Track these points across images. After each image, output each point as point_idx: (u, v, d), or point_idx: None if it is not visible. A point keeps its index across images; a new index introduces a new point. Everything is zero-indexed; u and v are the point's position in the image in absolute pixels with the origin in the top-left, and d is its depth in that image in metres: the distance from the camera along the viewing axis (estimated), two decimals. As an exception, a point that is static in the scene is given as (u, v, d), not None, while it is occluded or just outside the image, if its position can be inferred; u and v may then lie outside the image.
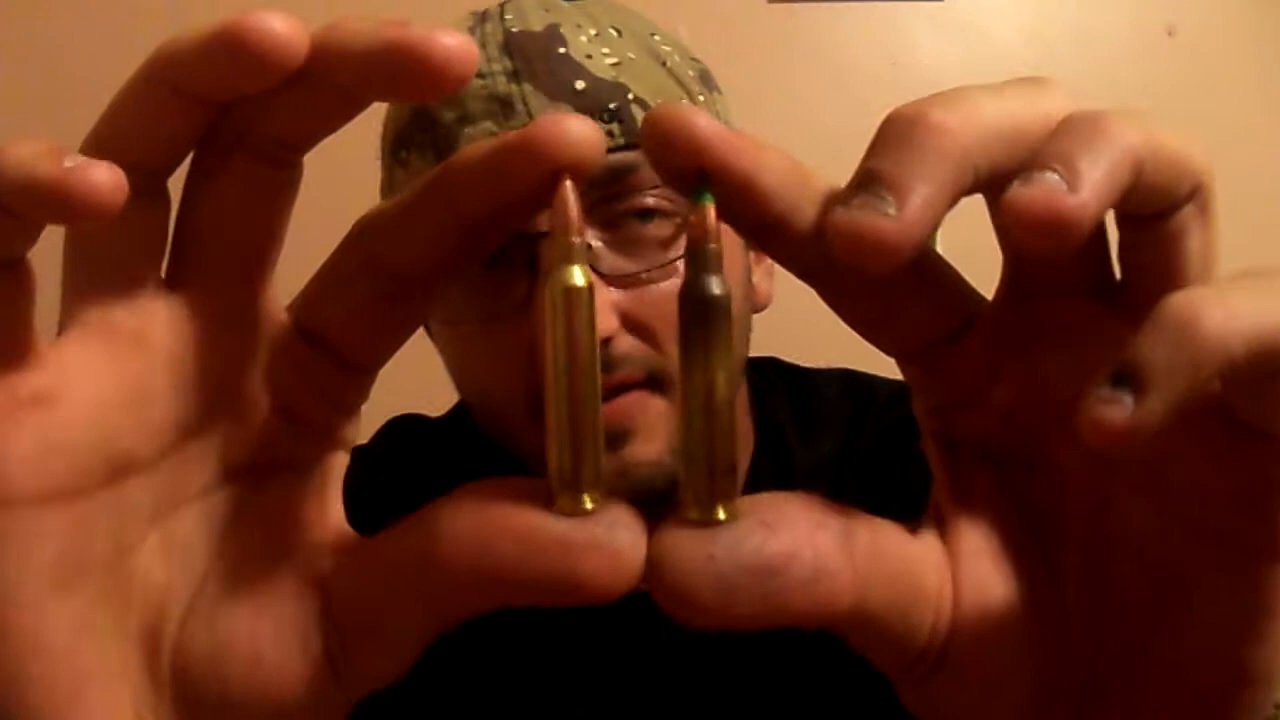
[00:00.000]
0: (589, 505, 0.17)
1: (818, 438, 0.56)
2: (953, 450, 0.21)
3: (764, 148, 0.17)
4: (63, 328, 0.19)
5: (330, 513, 0.20)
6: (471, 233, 0.18)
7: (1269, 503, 0.18)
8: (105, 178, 0.15)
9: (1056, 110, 0.17)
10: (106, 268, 0.18)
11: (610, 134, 0.46)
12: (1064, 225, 0.15)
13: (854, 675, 0.51)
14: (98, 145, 0.18)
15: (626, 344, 0.46)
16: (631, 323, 0.46)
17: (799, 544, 0.17)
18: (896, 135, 0.16)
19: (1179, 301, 0.15)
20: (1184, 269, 0.18)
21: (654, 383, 0.46)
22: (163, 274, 0.19)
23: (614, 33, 0.49)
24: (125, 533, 0.19)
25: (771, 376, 0.58)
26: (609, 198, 0.46)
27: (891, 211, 0.16)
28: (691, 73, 0.51)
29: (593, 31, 0.48)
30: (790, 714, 0.51)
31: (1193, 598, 0.19)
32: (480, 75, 0.46)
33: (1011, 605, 0.19)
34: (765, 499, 0.18)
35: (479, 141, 0.17)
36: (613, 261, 0.46)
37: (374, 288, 0.19)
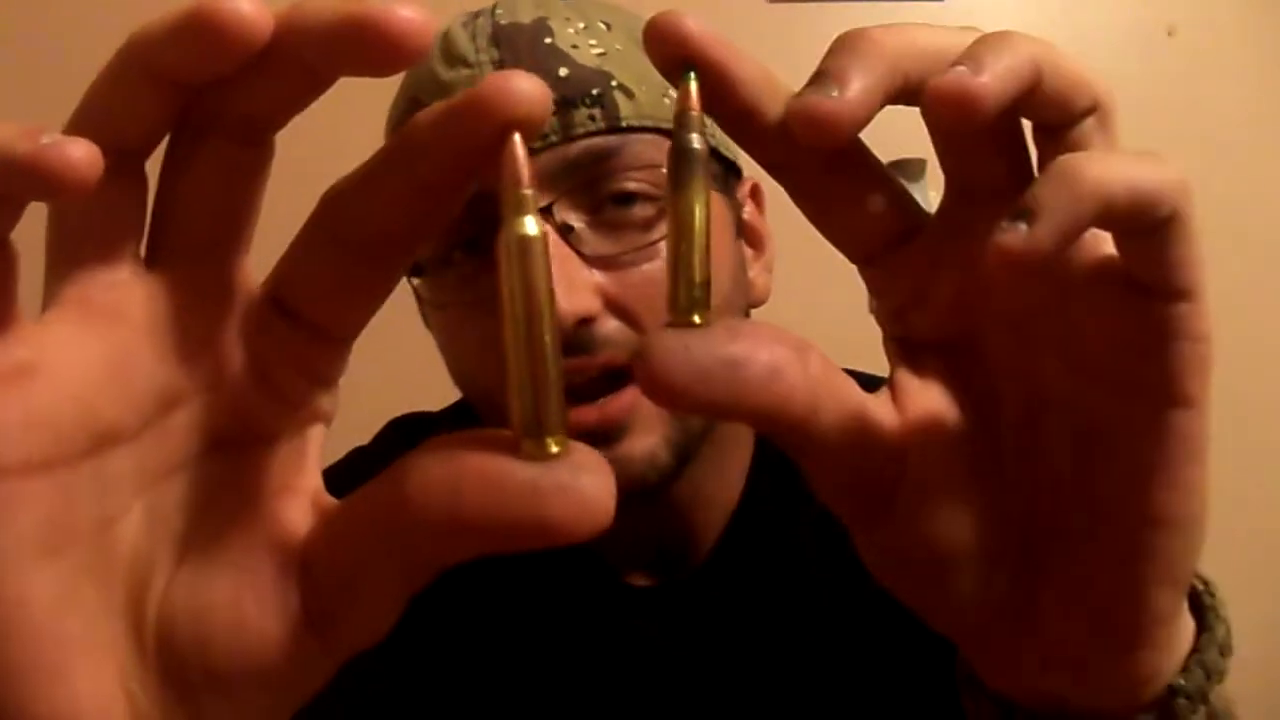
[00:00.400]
0: (554, 450, 0.17)
1: None
2: (907, 346, 0.24)
3: (739, 50, 0.21)
4: (46, 305, 0.19)
5: (309, 481, 0.21)
6: (430, 194, 0.19)
7: (1164, 351, 0.21)
8: (80, 153, 0.16)
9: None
10: (86, 247, 0.19)
11: (591, 118, 0.46)
12: (969, 100, 0.19)
13: (845, 678, 0.51)
14: (77, 130, 0.18)
15: (609, 326, 0.46)
16: (614, 305, 0.46)
17: (758, 346, 0.20)
18: (843, 44, 0.21)
19: (1065, 157, 0.19)
20: None
21: None
22: (141, 253, 0.20)
23: (603, 26, 0.49)
24: (108, 504, 0.19)
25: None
26: (591, 181, 0.46)
27: (835, 94, 0.20)
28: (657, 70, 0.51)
29: (581, 25, 0.49)
30: (780, 713, 0.51)
31: (1108, 448, 0.22)
32: (469, 65, 0.47)
33: (955, 458, 0.23)
34: (741, 320, 0.21)
35: (431, 106, 0.18)
36: (595, 244, 0.46)
37: (342, 256, 0.19)
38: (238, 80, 0.18)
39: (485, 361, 0.49)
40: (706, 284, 0.20)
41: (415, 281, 0.51)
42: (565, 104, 0.46)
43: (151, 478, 0.20)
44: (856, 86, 0.20)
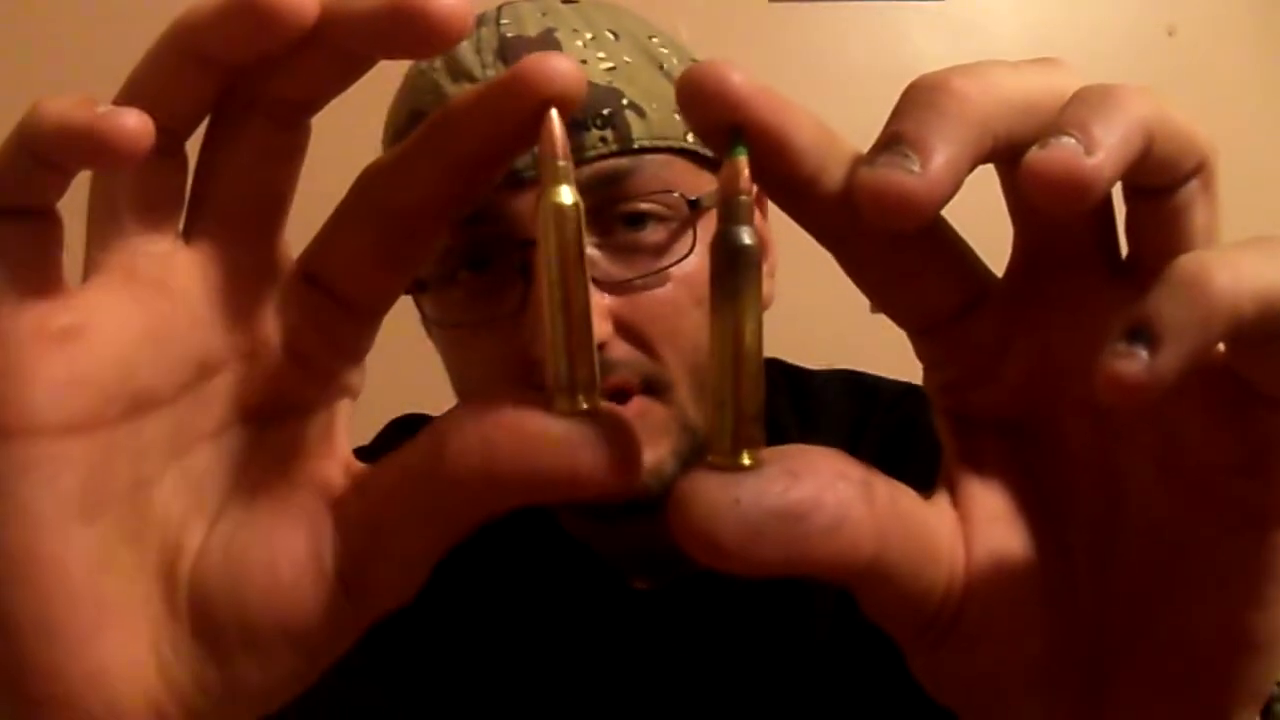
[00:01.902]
0: (585, 406, 0.18)
1: (820, 439, 0.56)
2: (964, 426, 0.21)
3: (796, 106, 0.18)
4: (88, 273, 0.20)
5: (339, 449, 0.22)
6: (467, 171, 0.19)
7: (1271, 466, 0.18)
8: (135, 122, 0.17)
9: (1068, 87, 0.18)
10: (129, 220, 0.20)
11: (604, 140, 0.45)
12: (1081, 185, 0.16)
13: (844, 684, 0.51)
14: (124, 105, 0.19)
15: (621, 350, 0.45)
16: (625, 329, 0.46)
17: (823, 491, 0.17)
18: (920, 100, 0.17)
19: (1190, 260, 0.16)
20: (1189, 243, 0.18)
21: (652, 389, 0.46)
22: (180, 229, 0.21)
23: (610, 36, 0.48)
24: (144, 467, 0.20)
25: (774, 377, 0.58)
26: (603, 204, 0.46)
27: (916, 169, 0.16)
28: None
29: (589, 35, 0.48)
30: (779, 717, 0.51)
31: (1197, 564, 0.19)
32: (474, 81, 0.46)
33: (1022, 572, 0.20)
34: (790, 449, 0.18)
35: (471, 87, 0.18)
36: (607, 268, 0.46)
37: (377, 230, 0.20)
38: (280, 62, 0.18)
39: (488, 379, 0.48)
40: (759, 417, 0.17)
41: (419, 298, 0.50)
42: (575, 125, 0.45)
43: (186, 443, 0.20)
44: (941, 159, 0.16)
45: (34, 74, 1.23)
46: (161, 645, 0.19)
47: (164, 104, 0.19)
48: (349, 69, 0.19)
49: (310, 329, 0.21)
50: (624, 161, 0.46)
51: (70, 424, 0.18)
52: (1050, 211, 0.16)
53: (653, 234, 0.46)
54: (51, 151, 0.17)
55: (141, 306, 0.19)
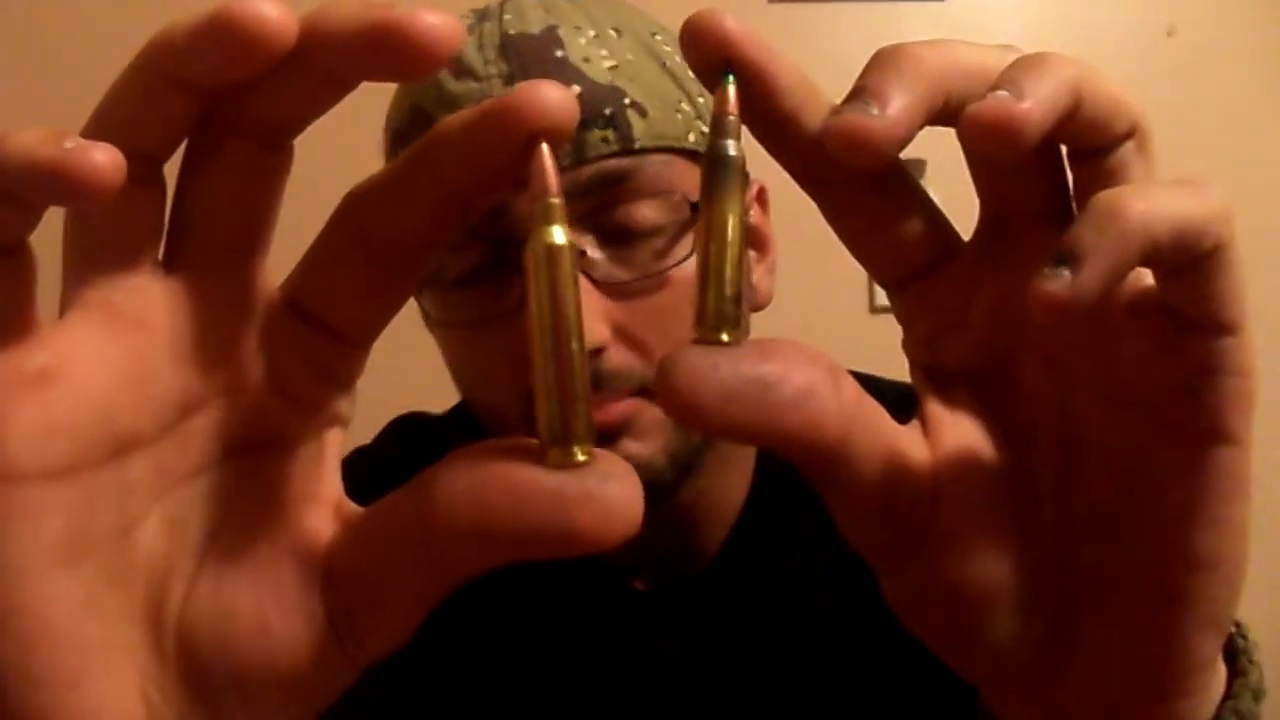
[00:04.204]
0: (580, 458, 0.17)
1: None
2: (936, 375, 0.23)
3: (780, 53, 0.20)
4: (64, 310, 0.19)
5: (328, 486, 0.21)
6: (455, 201, 0.18)
7: (1206, 387, 0.20)
8: (104, 158, 0.16)
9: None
10: (106, 251, 0.19)
11: (605, 140, 0.45)
12: (1011, 128, 0.18)
13: (844, 688, 0.51)
14: (96, 132, 0.18)
15: (619, 358, 0.45)
16: (623, 334, 0.45)
17: (792, 367, 0.19)
18: (882, 61, 0.20)
19: (1108, 193, 0.18)
20: None
21: (646, 392, 0.46)
22: (160, 257, 0.20)
23: (613, 34, 0.48)
24: (128, 509, 0.19)
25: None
26: (603, 205, 0.45)
27: (874, 112, 0.19)
28: (692, 72, 0.51)
29: (591, 33, 0.47)
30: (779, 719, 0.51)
31: (1148, 487, 0.21)
32: (476, 78, 0.46)
33: (988, 498, 0.22)
34: (769, 339, 0.20)
35: (459, 111, 0.18)
36: (606, 270, 0.45)
37: (363, 259, 0.19)
38: (259, 84, 0.18)
39: (490, 377, 0.48)
40: (738, 298, 0.19)
41: (419, 295, 0.50)
42: (578, 125, 0.44)
43: (171, 483, 0.20)
44: (897, 105, 0.19)
45: (34, 73, 1.23)
46: (149, 690, 0.19)
47: (139, 128, 0.18)
48: (332, 90, 0.18)
49: (296, 360, 0.20)
50: (625, 162, 0.45)
51: (49, 470, 0.18)
52: (989, 155, 0.19)
53: (653, 236, 0.46)
54: (17, 189, 0.16)
55: (120, 344, 0.19)
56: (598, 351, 0.44)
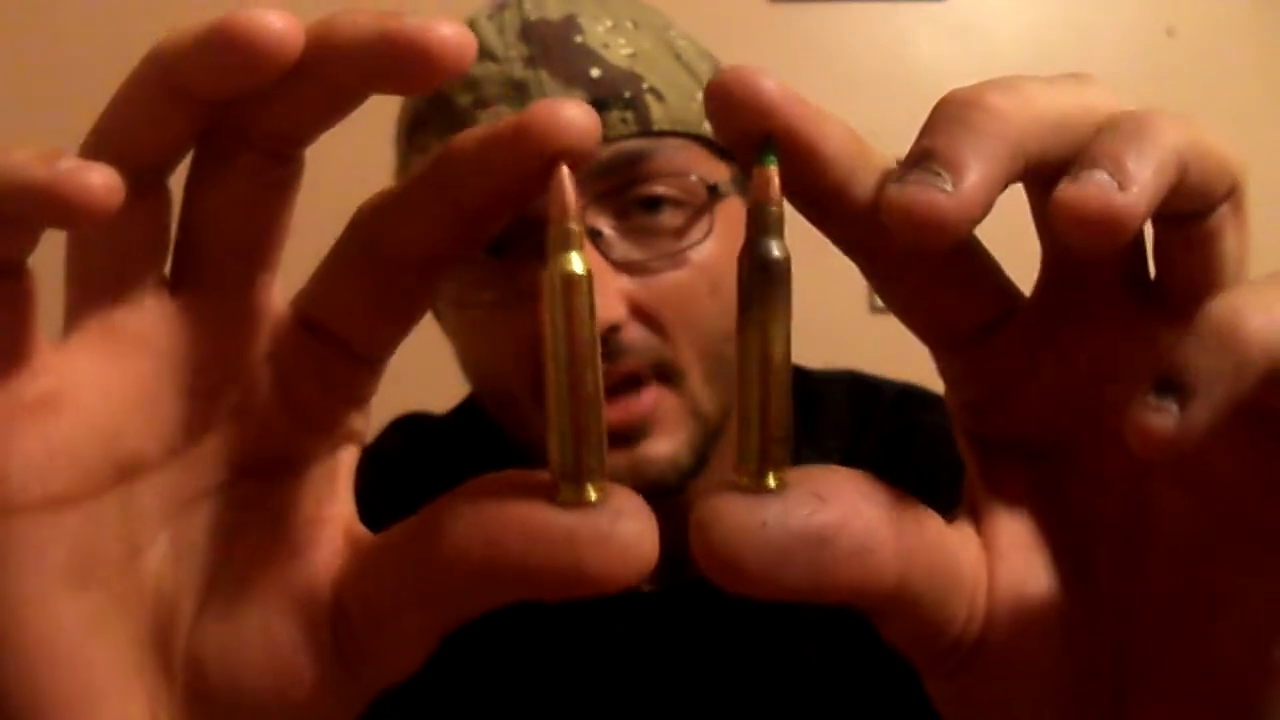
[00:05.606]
0: (593, 496, 0.17)
1: (823, 439, 0.56)
2: (986, 445, 0.21)
3: (826, 114, 0.17)
4: (67, 330, 0.19)
5: (341, 507, 0.20)
6: (470, 218, 0.18)
7: None
8: (99, 180, 0.15)
9: (1100, 104, 0.17)
10: (109, 270, 0.18)
11: (624, 121, 0.46)
12: (1114, 223, 0.15)
13: (846, 687, 0.51)
14: (96, 145, 0.17)
15: (634, 333, 0.45)
16: (640, 311, 0.46)
17: (848, 515, 0.17)
18: (953, 115, 0.16)
19: (1220, 307, 0.16)
20: (1219, 267, 0.18)
21: (663, 375, 0.47)
22: (166, 273, 0.19)
23: (630, 25, 0.49)
24: (135, 534, 0.19)
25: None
26: (621, 186, 0.46)
27: (948, 188, 0.16)
28: (705, 67, 0.52)
29: (609, 23, 0.48)
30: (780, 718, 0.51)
31: (1221, 591, 0.19)
32: (496, 60, 0.47)
33: (1045, 600, 0.19)
34: (814, 470, 0.17)
35: (477, 125, 0.17)
36: (623, 249, 0.46)
37: (376, 275, 0.18)
38: (266, 95, 0.17)
39: (501, 359, 0.48)
40: (787, 438, 0.17)
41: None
42: (597, 105, 0.45)
43: (178, 507, 0.19)
44: (974, 177, 0.16)
45: (34, 73, 1.23)
46: (158, 714, 0.19)
47: (140, 141, 0.17)
48: (342, 102, 0.17)
49: (308, 378, 0.19)
50: (644, 143, 0.46)
51: (53, 498, 0.17)
52: (1081, 249, 0.16)
53: (670, 217, 0.47)
54: (9, 209, 0.16)
55: (123, 367, 0.18)
56: (614, 328, 0.44)
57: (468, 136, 0.17)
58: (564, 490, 0.17)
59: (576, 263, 0.16)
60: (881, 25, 1.46)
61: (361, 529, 0.20)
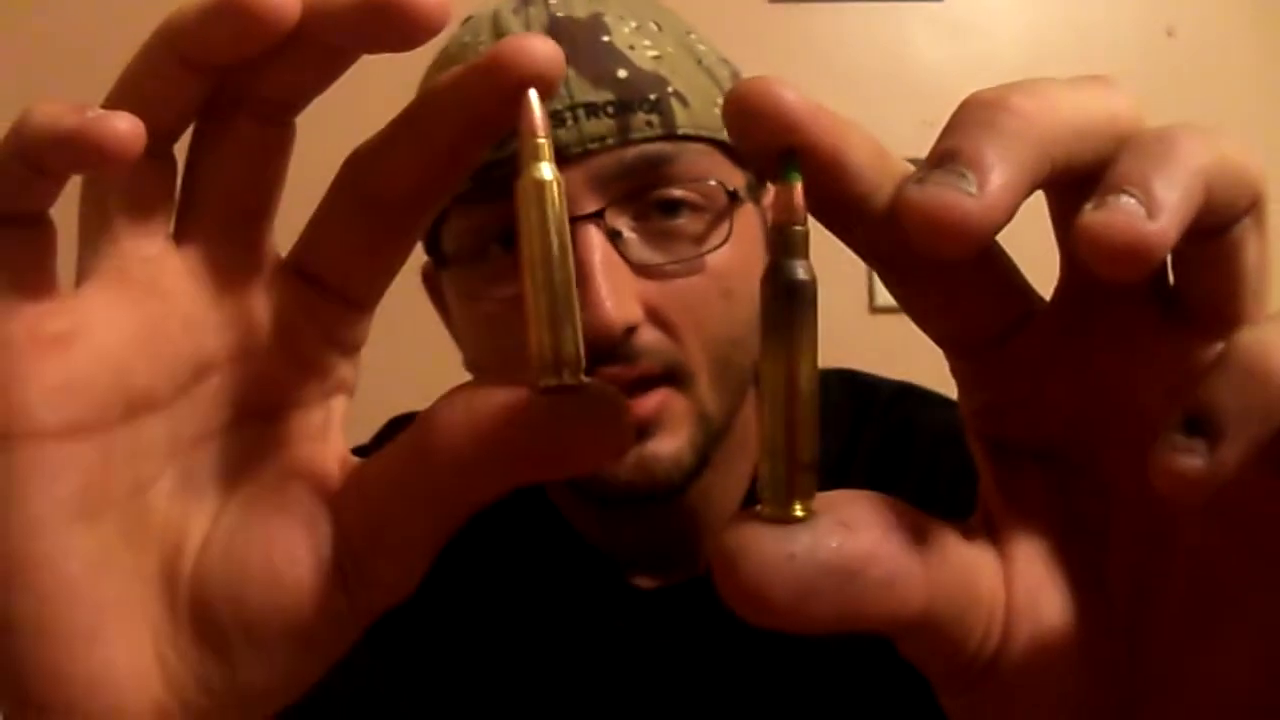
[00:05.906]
0: (570, 383, 0.18)
1: (821, 437, 0.56)
2: (1001, 451, 0.20)
3: (848, 123, 0.17)
4: (81, 278, 0.20)
5: (334, 446, 0.22)
6: (449, 154, 0.19)
7: None
8: (126, 125, 0.17)
9: (1123, 110, 0.17)
10: (120, 224, 0.20)
11: (649, 124, 0.46)
12: (1143, 252, 0.15)
13: (847, 684, 0.51)
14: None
15: (649, 336, 0.46)
16: (655, 314, 0.46)
17: (877, 545, 0.16)
18: (977, 117, 0.16)
19: (1249, 342, 0.15)
20: (1241, 279, 0.18)
21: (674, 378, 0.47)
22: (171, 230, 0.21)
23: (654, 27, 0.49)
24: (143, 469, 0.20)
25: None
26: (642, 188, 0.46)
27: (972, 190, 0.15)
28: (725, 73, 0.52)
29: (634, 24, 0.48)
30: (781, 717, 0.51)
31: (1240, 607, 0.19)
32: None
33: (1061, 611, 0.19)
34: (839, 497, 0.17)
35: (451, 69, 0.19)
36: (640, 252, 0.46)
37: (363, 217, 0.20)
38: (264, 62, 0.19)
39: (510, 360, 0.48)
40: (813, 466, 0.16)
41: (439, 275, 0.51)
42: (623, 107, 0.45)
43: (184, 445, 0.20)
44: (1000, 179, 0.15)
45: (33, 74, 1.23)
46: (163, 647, 0.20)
47: (153, 107, 0.19)
48: (332, 66, 0.19)
49: (304, 324, 0.21)
50: (668, 147, 0.46)
51: (68, 428, 0.19)
52: (1108, 277, 0.15)
53: (689, 221, 0.47)
54: (43, 157, 0.17)
55: (134, 309, 0.20)
56: (630, 330, 0.44)
57: (443, 76, 0.19)
58: (543, 378, 0.18)
59: (546, 170, 0.18)
60: (881, 25, 1.46)
61: (354, 459, 0.21)
